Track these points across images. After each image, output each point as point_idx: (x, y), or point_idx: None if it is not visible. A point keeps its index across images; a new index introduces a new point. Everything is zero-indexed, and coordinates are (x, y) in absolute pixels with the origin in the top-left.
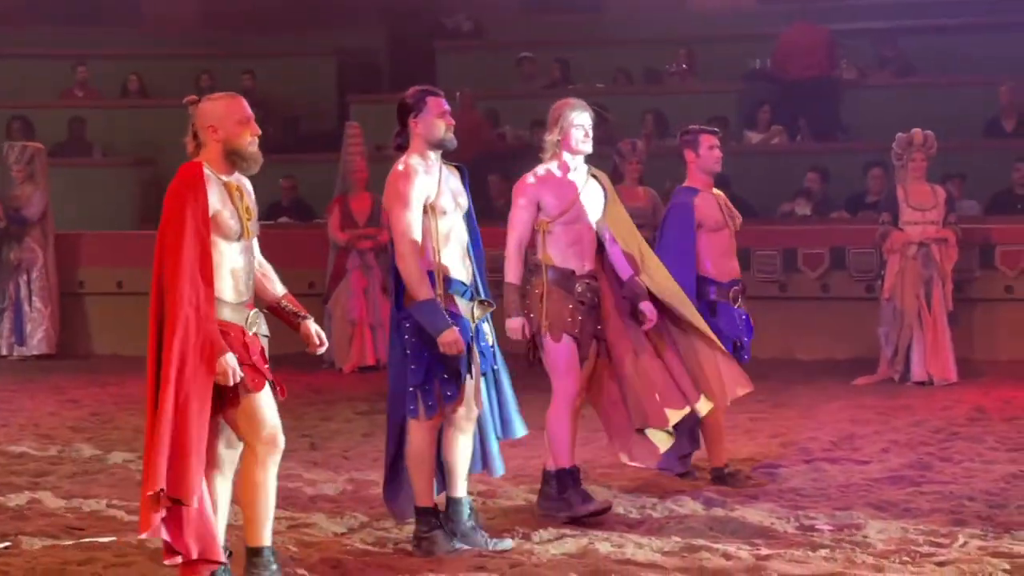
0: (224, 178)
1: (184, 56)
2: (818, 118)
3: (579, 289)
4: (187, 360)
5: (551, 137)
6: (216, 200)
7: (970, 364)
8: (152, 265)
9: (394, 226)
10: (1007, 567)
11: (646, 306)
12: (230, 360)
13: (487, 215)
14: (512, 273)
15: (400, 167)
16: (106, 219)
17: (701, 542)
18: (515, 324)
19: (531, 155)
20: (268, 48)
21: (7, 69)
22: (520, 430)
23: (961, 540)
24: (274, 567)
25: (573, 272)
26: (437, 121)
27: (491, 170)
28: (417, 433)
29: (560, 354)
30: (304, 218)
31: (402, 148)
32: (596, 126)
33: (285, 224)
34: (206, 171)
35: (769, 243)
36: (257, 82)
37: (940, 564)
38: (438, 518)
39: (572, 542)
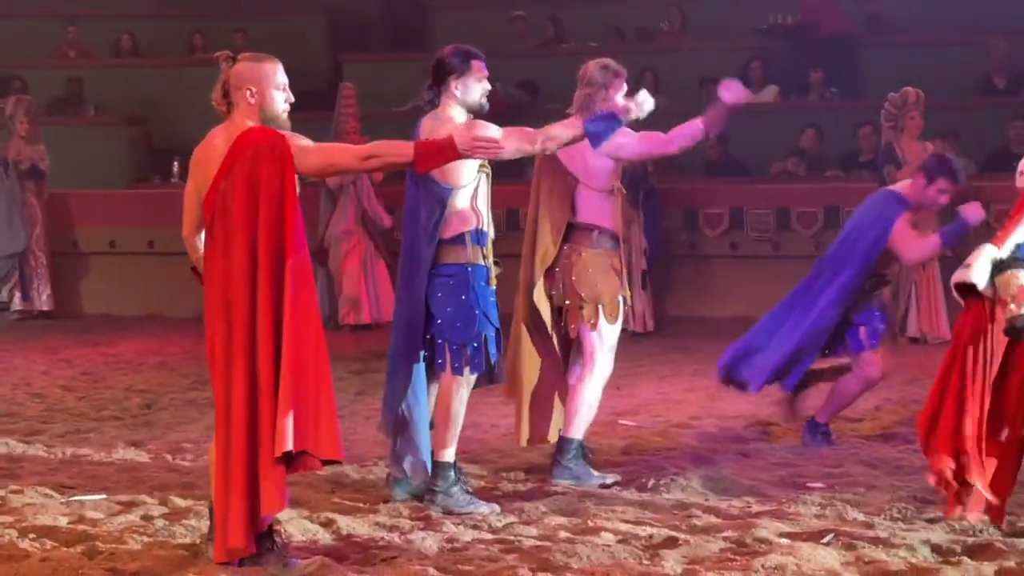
0: None
1: (176, 16)
2: (836, 75)
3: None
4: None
5: (598, 97)
6: None
7: None
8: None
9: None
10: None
11: None
12: None
13: None
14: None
15: (446, 115)
16: (98, 178)
17: (692, 500)
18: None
19: (522, 114)
20: (259, 7)
21: None
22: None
23: None
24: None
25: (614, 233)
26: (477, 85)
27: None
28: (462, 390)
29: (613, 333)
30: None
31: (432, 104)
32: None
33: None
34: None
35: (763, 202)
36: (248, 41)
37: (931, 521)
38: (458, 474)
39: (563, 500)
